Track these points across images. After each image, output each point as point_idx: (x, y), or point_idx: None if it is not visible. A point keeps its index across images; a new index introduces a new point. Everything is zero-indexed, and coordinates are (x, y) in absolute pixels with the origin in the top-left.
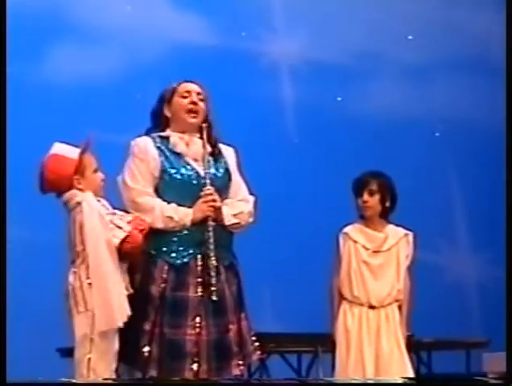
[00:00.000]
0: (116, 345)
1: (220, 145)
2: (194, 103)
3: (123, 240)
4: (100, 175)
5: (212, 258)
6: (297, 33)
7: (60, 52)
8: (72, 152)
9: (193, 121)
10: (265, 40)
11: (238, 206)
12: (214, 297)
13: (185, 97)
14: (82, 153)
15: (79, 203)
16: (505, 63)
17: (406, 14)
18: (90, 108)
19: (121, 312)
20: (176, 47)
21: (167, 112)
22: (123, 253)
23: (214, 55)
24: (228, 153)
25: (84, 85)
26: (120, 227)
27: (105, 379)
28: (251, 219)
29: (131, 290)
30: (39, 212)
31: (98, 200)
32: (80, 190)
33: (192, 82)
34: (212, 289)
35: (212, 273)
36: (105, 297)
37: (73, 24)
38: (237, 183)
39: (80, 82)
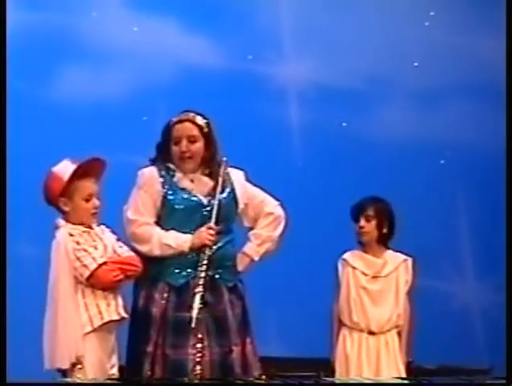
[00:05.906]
0: (114, 368)
1: (229, 169)
2: (183, 152)
3: (88, 278)
4: (93, 203)
5: (200, 287)
6: (305, 57)
7: (68, 73)
8: (66, 172)
9: (189, 166)
10: (273, 63)
11: (261, 234)
12: (192, 325)
13: (176, 144)
14: (73, 177)
15: (55, 236)
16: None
17: (414, 40)
18: (97, 130)
19: (68, 354)
20: (183, 69)
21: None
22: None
23: (221, 77)
24: (236, 177)
25: (90, 106)
26: (85, 266)
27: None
28: (280, 229)
29: (125, 315)
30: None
31: (70, 234)
32: (66, 213)
33: (185, 120)
34: (193, 316)
35: (196, 301)
36: (51, 336)
37: (81, 45)
38: (257, 198)
39: (87, 103)
